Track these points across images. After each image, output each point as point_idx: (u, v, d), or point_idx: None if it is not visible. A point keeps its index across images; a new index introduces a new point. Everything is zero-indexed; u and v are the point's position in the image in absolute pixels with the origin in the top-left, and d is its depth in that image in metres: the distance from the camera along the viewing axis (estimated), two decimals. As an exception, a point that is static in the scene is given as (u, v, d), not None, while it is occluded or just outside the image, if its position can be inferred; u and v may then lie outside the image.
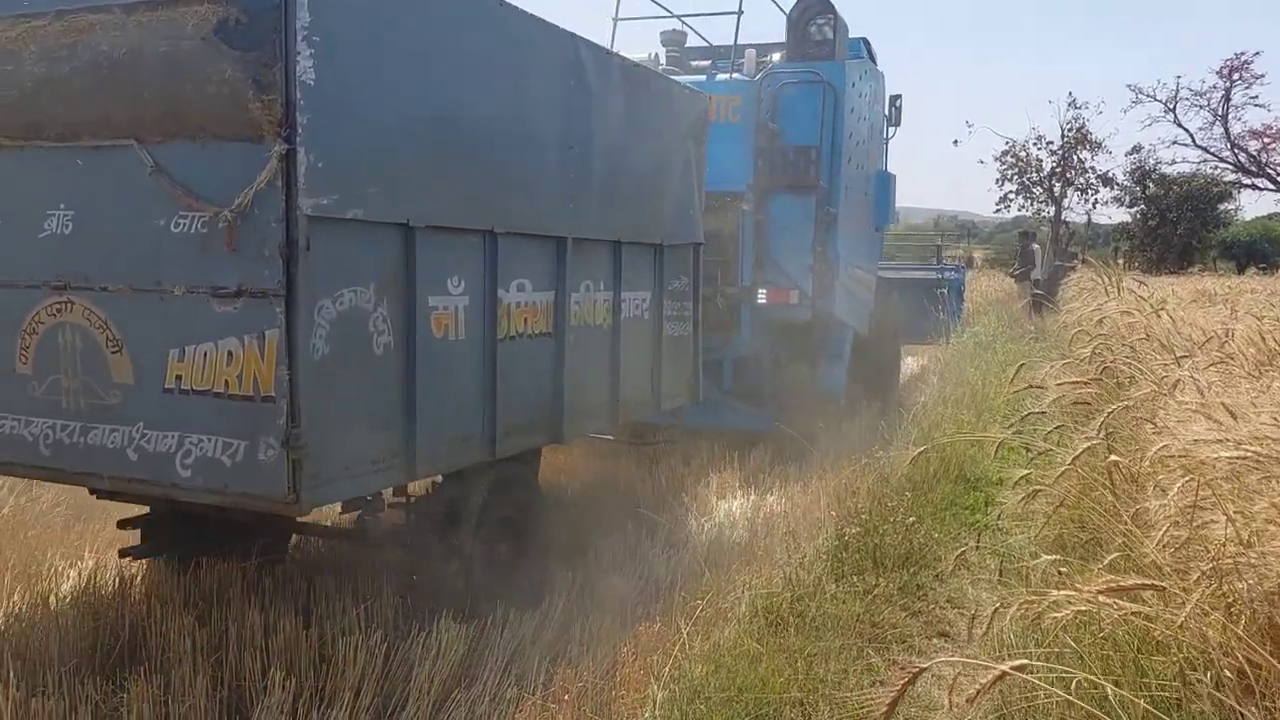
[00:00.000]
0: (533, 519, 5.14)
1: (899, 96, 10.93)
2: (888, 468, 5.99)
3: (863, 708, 3.28)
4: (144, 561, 5.08)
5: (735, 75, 8.79)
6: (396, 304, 3.98)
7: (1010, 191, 32.96)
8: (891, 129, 10.95)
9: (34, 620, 4.50)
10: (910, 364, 13.09)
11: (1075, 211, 32.96)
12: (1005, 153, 32.65)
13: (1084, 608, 2.67)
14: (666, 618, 4.63)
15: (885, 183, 10.37)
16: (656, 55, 9.35)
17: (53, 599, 4.76)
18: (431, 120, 4.14)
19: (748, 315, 8.30)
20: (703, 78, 8.72)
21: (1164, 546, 2.86)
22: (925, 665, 1.95)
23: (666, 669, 3.67)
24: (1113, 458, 3.28)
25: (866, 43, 9.88)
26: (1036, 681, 2.27)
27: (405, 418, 4.09)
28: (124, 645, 4.41)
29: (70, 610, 4.63)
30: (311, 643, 4.38)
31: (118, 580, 4.98)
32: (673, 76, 7.86)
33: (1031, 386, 4.51)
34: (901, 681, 1.85)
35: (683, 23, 9.41)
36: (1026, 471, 3.56)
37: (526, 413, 4.88)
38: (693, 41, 9.62)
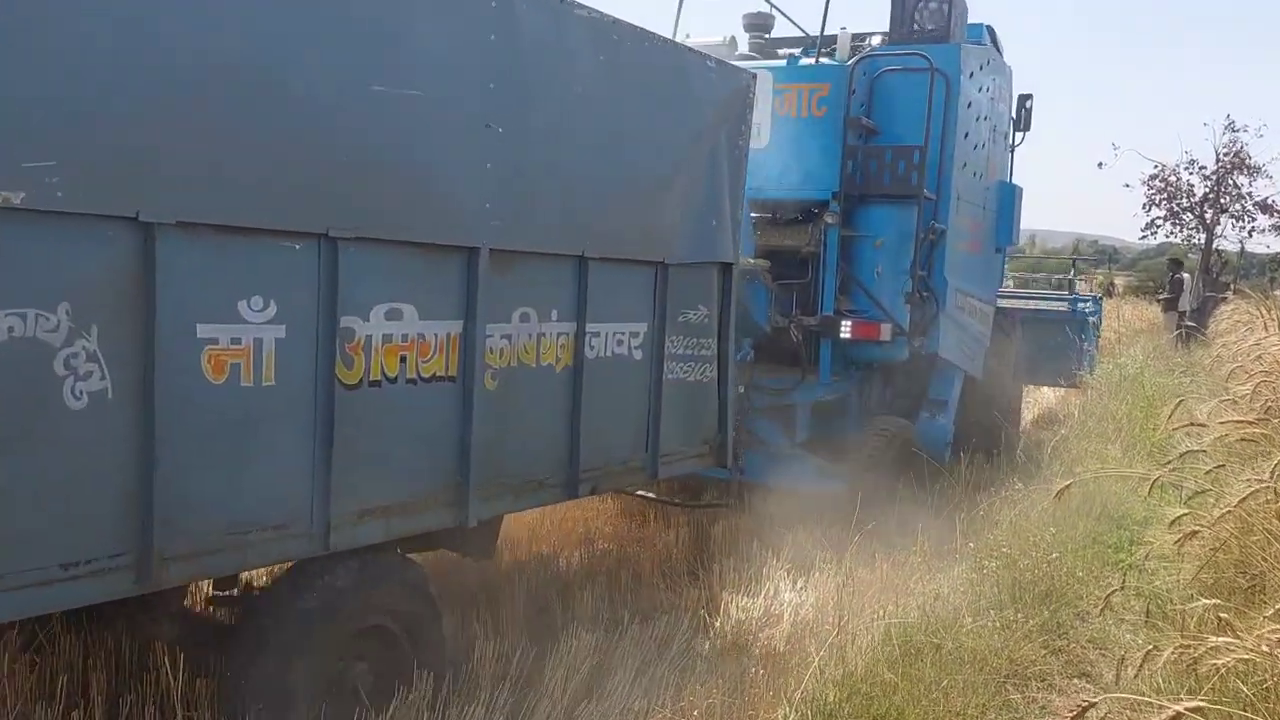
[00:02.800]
0: (422, 629, 3.86)
1: (1029, 97, 9.32)
2: (1028, 502, 5.83)
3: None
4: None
5: (823, 60, 7.18)
6: (122, 335, 2.78)
7: (1158, 217, 31.55)
8: (1019, 134, 9.31)
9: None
10: (1046, 394, 12.56)
11: (1229, 239, 31.34)
12: (1153, 177, 31.28)
13: (1248, 656, 2.57)
14: (795, 640, 4.63)
15: (1009, 196, 8.75)
16: (733, 39, 7.75)
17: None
18: (191, 64, 2.84)
19: (828, 353, 6.86)
20: (781, 63, 7.25)
21: (1337, 597, 2.72)
22: (1095, 700, 1.91)
23: (798, 692, 3.67)
24: (1281, 501, 3.13)
25: (991, 31, 8.31)
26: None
27: (141, 497, 2.84)
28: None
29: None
30: (447, 645, 4.54)
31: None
32: (740, 63, 6.58)
33: (1192, 424, 4.31)
34: (1070, 715, 1.82)
35: (770, 5, 7.76)
36: (1182, 511, 3.42)
37: (402, 486, 3.62)
38: (785, 30, 8.05)
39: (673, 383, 4.92)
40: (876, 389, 7.72)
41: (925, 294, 7.03)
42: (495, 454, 3.96)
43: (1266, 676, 2.62)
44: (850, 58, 7.14)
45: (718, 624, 4.97)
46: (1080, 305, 11.30)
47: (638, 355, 4.71)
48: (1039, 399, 12.38)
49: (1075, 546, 5.20)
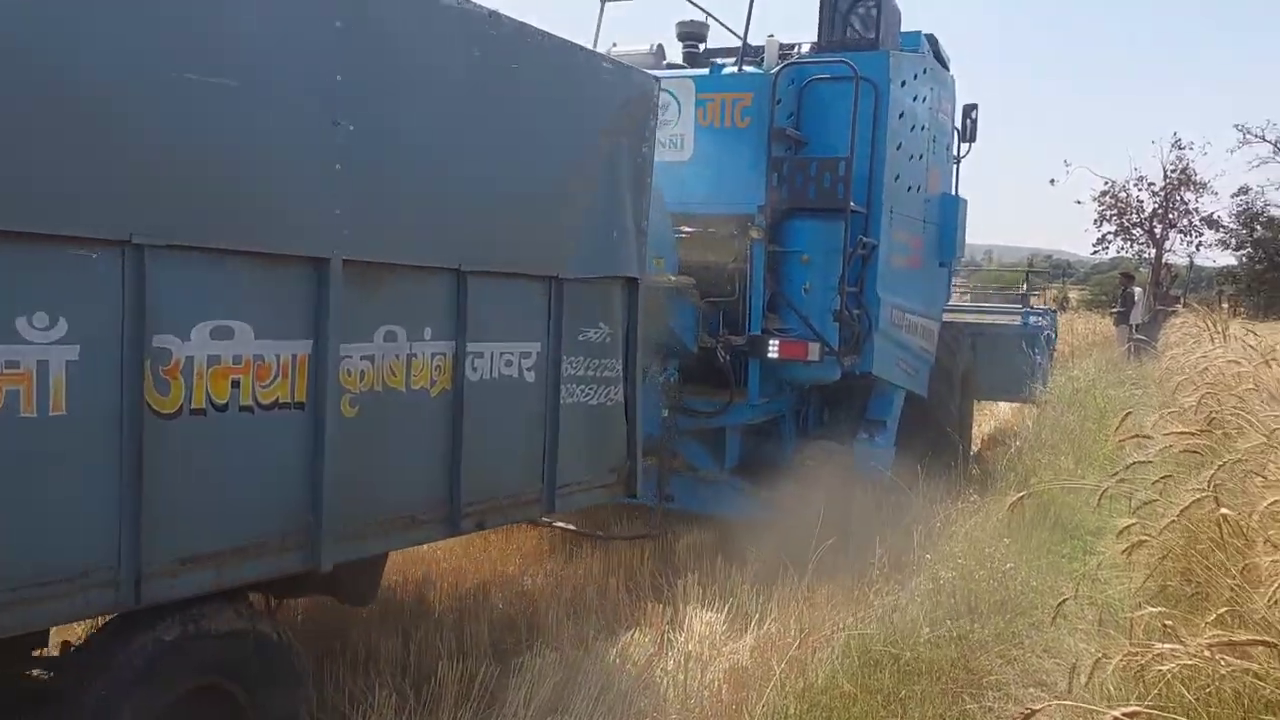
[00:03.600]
0: (271, 688, 3.43)
1: (974, 107, 9.18)
2: (983, 513, 5.93)
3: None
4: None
5: (747, 68, 6.83)
6: None
7: (1109, 232, 32.19)
8: (965, 145, 9.14)
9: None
10: (1003, 409, 12.69)
11: (1177, 254, 32.03)
12: (1104, 193, 31.93)
13: (1191, 662, 2.65)
14: (758, 654, 4.68)
15: (953, 209, 8.50)
16: (660, 48, 7.45)
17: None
18: None
19: (757, 374, 6.52)
20: (703, 71, 6.96)
21: (1274, 603, 2.81)
22: (1038, 708, 1.97)
23: (760, 705, 3.71)
24: (1222, 511, 3.23)
25: (933, 40, 8.07)
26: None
27: None
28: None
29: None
30: (410, 666, 4.55)
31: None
32: (663, 72, 6.41)
33: (1138, 436, 4.43)
34: (1015, 722, 1.87)
35: (703, 10, 7.24)
36: (1130, 521, 3.52)
37: (237, 528, 3.20)
38: (723, 40, 7.56)
39: (572, 407, 4.55)
40: (814, 410, 7.48)
41: (857, 311, 6.77)
42: (356, 489, 3.51)
43: (1209, 681, 2.70)
44: (777, 65, 6.85)
45: (681, 639, 5.01)
46: (1032, 319, 11.03)
47: (530, 377, 4.33)
48: (995, 413, 12.48)
49: (1030, 557, 5.30)
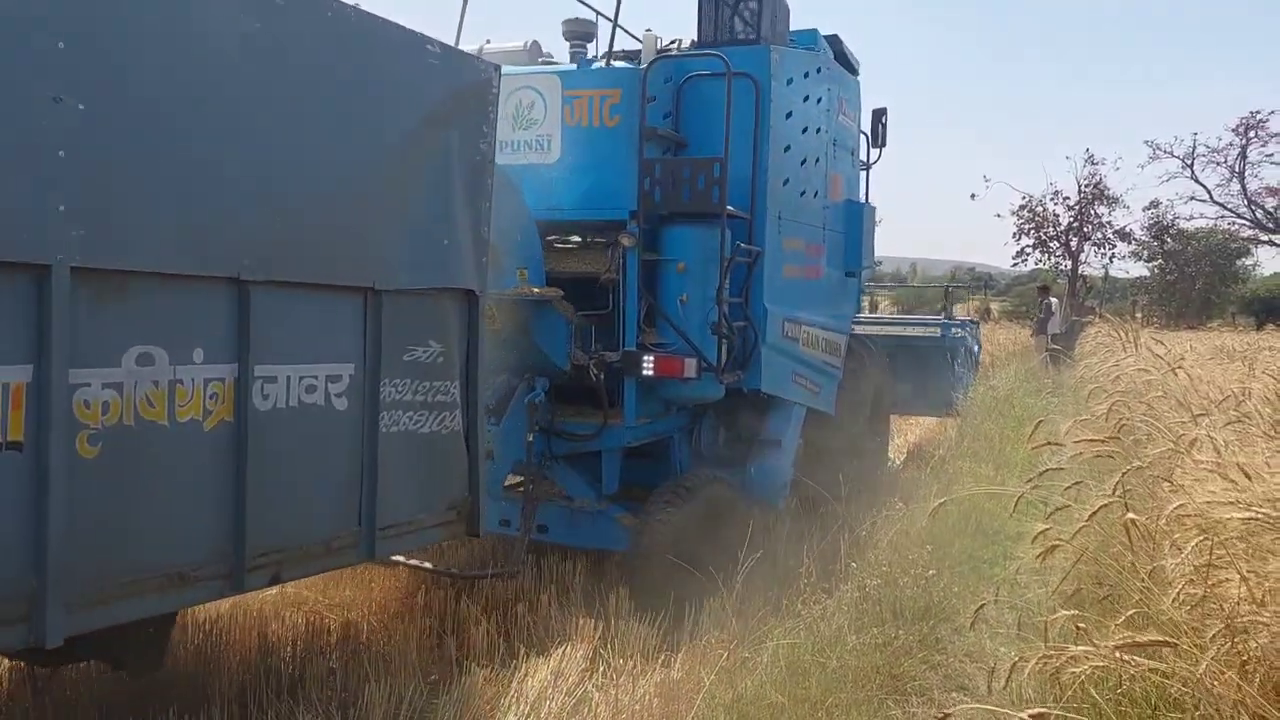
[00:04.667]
0: None
1: (883, 111, 8.85)
2: (907, 520, 6.04)
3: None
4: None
5: (617, 63, 6.35)
6: None
7: (1027, 245, 33.13)
8: (875, 151, 8.84)
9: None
10: (926, 421, 12.82)
11: (1092, 265, 33.10)
12: (1022, 207, 32.88)
13: (1102, 663, 2.75)
14: (688, 666, 4.70)
15: (858, 216, 8.17)
16: (534, 44, 6.97)
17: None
18: None
19: (634, 393, 6.04)
20: (570, 66, 6.51)
21: (1180, 604, 2.93)
22: (950, 712, 2.03)
23: (689, 717, 3.74)
24: (1129, 516, 3.35)
25: (836, 40, 7.79)
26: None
27: None
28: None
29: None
30: (337, 686, 4.48)
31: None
32: (530, 67, 6.18)
33: (1050, 444, 4.58)
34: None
35: (596, 13, 6.74)
36: (1044, 526, 3.64)
37: None
38: (621, 44, 6.89)
39: (397, 436, 4.02)
40: (707, 431, 7.03)
41: (741, 324, 6.37)
42: (99, 544, 2.96)
43: (1119, 682, 2.80)
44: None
45: (613, 653, 5.01)
46: (952, 330, 10.79)
47: (341, 404, 3.78)
48: (920, 424, 12.66)
49: (952, 563, 5.42)
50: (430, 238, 4.17)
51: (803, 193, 7.11)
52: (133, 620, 3.16)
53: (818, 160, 7.34)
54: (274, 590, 5.31)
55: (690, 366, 5.94)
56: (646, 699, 4.33)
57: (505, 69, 5.93)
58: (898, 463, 10.31)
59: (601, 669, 4.80)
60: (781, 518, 6.66)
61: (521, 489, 5.88)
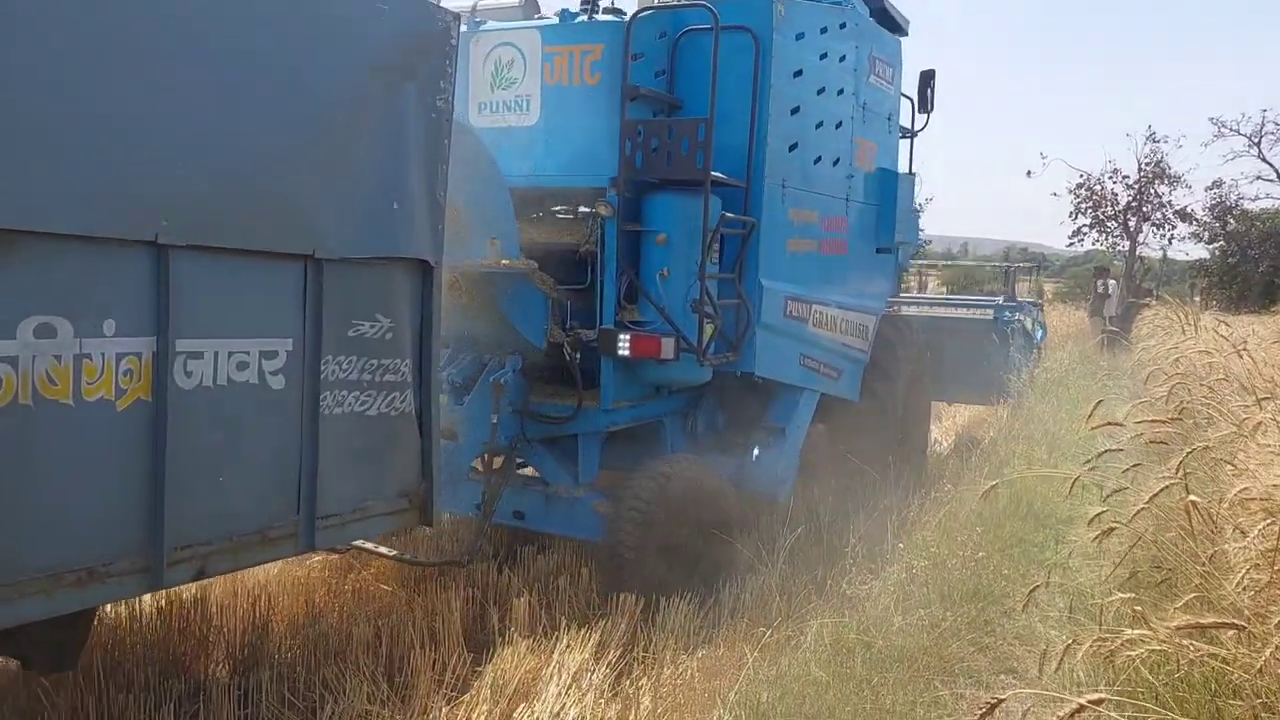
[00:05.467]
0: None
1: (932, 74, 8.19)
2: (956, 502, 5.96)
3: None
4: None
5: (600, 16, 5.78)
6: None
7: (1084, 225, 32.44)
8: (921, 117, 8.17)
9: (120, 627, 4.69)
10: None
11: (1151, 247, 32.35)
12: (1079, 186, 32.17)
13: (1159, 647, 2.67)
14: (730, 643, 4.68)
15: (891, 186, 7.53)
16: (533, 1, 6.27)
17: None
18: None
19: (610, 374, 5.58)
20: (550, 20, 5.87)
21: (1244, 589, 2.84)
22: (1004, 696, 1.97)
23: (732, 693, 3.71)
24: (1190, 498, 3.25)
25: None
26: (1115, 717, 2.27)
27: None
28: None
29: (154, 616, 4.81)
30: (382, 654, 4.52)
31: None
32: (520, 23, 5.76)
33: (1108, 424, 4.45)
34: (979, 712, 1.88)
35: None
36: (1101, 509, 3.54)
37: None
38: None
39: (340, 418, 3.70)
40: (705, 415, 6.54)
41: (734, 302, 5.84)
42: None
43: (1177, 667, 2.72)
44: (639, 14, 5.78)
45: (655, 627, 5.00)
46: (1006, 312, 9.96)
47: (277, 383, 3.45)
48: (966, 408, 11.81)
49: (1002, 546, 5.33)
50: (378, 202, 3.80)
51: (817, 160, 6.59)
52: (36, 619, 2.88)
53: (839, 125, 6.82)
54: (318, 557, 5.37)
55: (668, 347, 5.43)
56: (688, 674, 4.32)
57: (485, 25, 5.61)
58: (945, 446, 10.17)
59: (643, 643, 4.79)
60: (820, 499, 6.37)
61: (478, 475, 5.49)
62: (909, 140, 8.35)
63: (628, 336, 5.43)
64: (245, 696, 3.91)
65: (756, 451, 6.27)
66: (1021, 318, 10.24)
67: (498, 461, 5.55)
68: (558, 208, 5.80)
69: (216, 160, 3.20)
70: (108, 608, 4.64)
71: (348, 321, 3.71)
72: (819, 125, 6.53)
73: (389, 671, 4.27)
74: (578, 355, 5.50)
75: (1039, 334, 11.29)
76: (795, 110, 6.21)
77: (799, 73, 6.20)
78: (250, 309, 3.38)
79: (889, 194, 7.55)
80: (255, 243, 3.34)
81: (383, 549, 5.29)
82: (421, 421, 4.09)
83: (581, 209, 5.68)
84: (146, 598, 4.87)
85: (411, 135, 3.90)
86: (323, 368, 3.60)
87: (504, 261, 5.22)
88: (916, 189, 8.23)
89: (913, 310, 9.76)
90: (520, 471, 5.90)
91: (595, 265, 5.58)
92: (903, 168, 8.09)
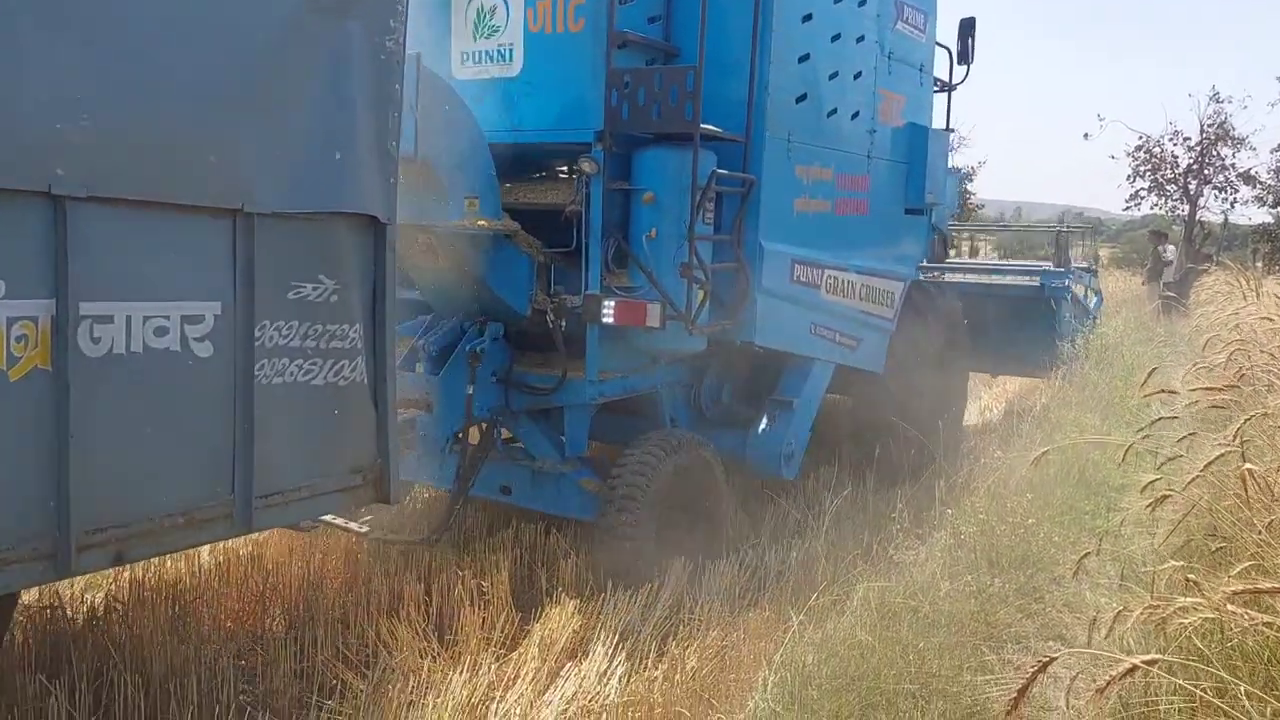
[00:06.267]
0: None
1: (972, 22, 7.71)
2: (1006, 469, 5.90)
3: (977, 704, 3.28)
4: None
5: None
6: None
7: (1142, 189, 31.65)
8: (961, 69, 7.70)
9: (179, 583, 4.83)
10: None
11: (1212, 211, 31.49)
12: (1138, 148, 31.35)
13: (1212, 615, 2.63)
14: (776, 606, 4.70)
15: (921, 142, 7.09)
16: None
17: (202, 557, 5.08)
18: None
19: (595, 342, 5.25)
20: None
21: (1301, 558, 2.79)
22: (1055, 655, 1.97)
23: (778, 655, 3.73)
24: (1247, 466, 3.19)
25: None
26: (1167, 678, 2.25)
27: None
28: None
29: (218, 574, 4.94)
30: (433, 611, 4.61)
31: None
32: None
33: (1163, 391, 4.36)
34: (1032, 669, 1.87)
35: None
36: (1154, 476, 3.49)
37: None
38: None
39: (280, 388, 3.41)
40: (710, 387, 6.21)
41: (732, 265, 5.49)
42: None
43: (1231, 635, 2.68)
44: None
45: (702, 590, 5.04)
46: (1053, 281, 9.26)
47: (203, 350, 3.17)
48: (1018, 380, 11.28)
49: (1052, 513, 5.28)
50: (317, 151, 3.47)
51: (832, 112, 6.20)
52: None
53: (859, 75, 6.39)
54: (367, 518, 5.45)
55: (653, 314, 5.06)
56: (734, 636, 4.35)
57: None
58: (995, 414, 10.05)
59: (689, 605, 4.84)
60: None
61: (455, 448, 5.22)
62: (946, 94, 7.92)
63: (612, 303, 5.10)
64: (301, 650, 4.01)
65: (762, 426, 6.04)
66: (1072, 284, 9.63)
67: (478, 434, 5.34)
68: (538, 173, 5.54)
69: (123, 103, 2.88)
70: (166, 562, 4.79)
71: (286, 283, 3.42)
72: (833, 75, 6.15)
73: (439, 629, 4.36)
74: (562, 322, 5.23)
75: (1094, 302, 10.66)
76: (804, 58, 5.84)
77: (808, 17, 5.83)
78: (169, 269, 3.07)
79: (919, 151, 7.14)
80: (171, 195, 3.03)
81: (351, 525, 5.00)
82: (376, 392, 3.81)
83: (559, 170, 5.44)
84: (204, 554, 5.02)
85: (357, 78, 3.56)
86: (258, 333, 3.33)
87: (482, 222, 4.99)
88: (953, 146, 8.02)
89: (955, 277, 9.13)
90: (512, 445, 5.71)
91: (581, 227, 5.22)
92: (939, 123, 7.67)
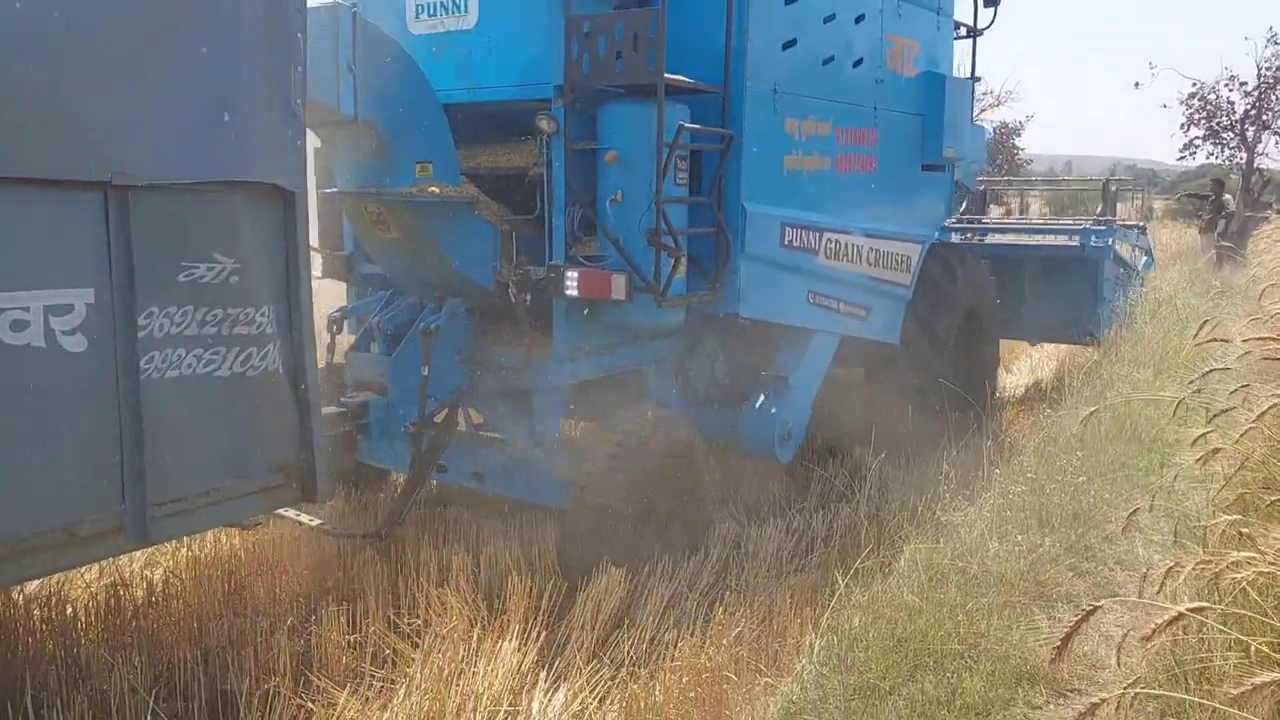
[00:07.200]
0: None
1: None
2: (1056, 427, 5.81)
3: (1026, 662, 3.26)
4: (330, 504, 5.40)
5: None
6: None
7: (1197, 138, 30.76)
8: (985, 12, 7.30)
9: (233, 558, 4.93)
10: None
11: (1271, 158, 30.52)
12: (1192, 95, 30.44)
13: (1267, 569, 2.58)
14: (822, 571, 4.70)
15: (937, 92, 6.61)
16: None
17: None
18: None
19: (561, 318, 4.91)
20: None
21: (1359, 509, 2.71)
22: (1099, 604, 1.94)
23: (824, 619, 3.73)
24: (1303, 415, 3.11)
25: None
26: (1221, 632, 2.21)
27: None
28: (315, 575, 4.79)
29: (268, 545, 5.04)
30: (481, 581, 4.67)
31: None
32: None
33: (1215, 340, 4.23)
34: (1076, 618, 1.85)
35: None
36: (1206, 429, 3.41)
37: None
38: None
39: (175, 382, 3.04)
40: (702, 363, 5.76)
41: (711, 230, 5.04)
42: None
43: (1285, 589, 2.62)
44: None
45: (747, 556, 5.05)
46: (1094, 240, 8.55)
47: (75, 344, 2.80)
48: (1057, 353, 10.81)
49: (1103, 470, 5.19)
50: (200, 113, 3.07)
51: (828, 60, 5.74)
52: None
53: (861, 19, 5.91)
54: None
55: (618, 285, 4.65)
56: (780, 600, 4.36)
57: None
58: (1046, 371, 9.88)
59: (735, 571, 4.85)
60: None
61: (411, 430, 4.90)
62: (971, 39, 7.47)
63: (575, 274, 4.71)
64: (353, 622, 4.08)
65: (756, 405, 5.64)
66: (1117, 244, 9.04)
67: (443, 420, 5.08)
68: (501, 135, 5.14)
69: None
70: (222, 538, 4.90)
71: (175, 264, 3.04)
72: (829, 19, 5.68)
73: (488, 598, 4.41)
74: (526, 296, 4.85)
75: (1143, 262, 10.07)
76: (791, 0, 5.39)
77: None
78: (23, 253, 2.69)
79: (935, 101, 6.63)
80: (21, 168, 2.64)
81: (303, 518, 4.70)
82: (295, 381, 3.45)
83: (523, 132, 4.96)
84: (260, 531, 5.12)
85: (247, 29, 3.16)
86: (144, 322, 2.95)
87: (434, 188, 4.63)
88: (971, 95, 7.24)
89: (989, 239, 8.75)
90: (484, 429, 5.46)
91: (542, 191, 4.82)
92: (962, 72, 7.26)
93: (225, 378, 3.22)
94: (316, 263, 5.25)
